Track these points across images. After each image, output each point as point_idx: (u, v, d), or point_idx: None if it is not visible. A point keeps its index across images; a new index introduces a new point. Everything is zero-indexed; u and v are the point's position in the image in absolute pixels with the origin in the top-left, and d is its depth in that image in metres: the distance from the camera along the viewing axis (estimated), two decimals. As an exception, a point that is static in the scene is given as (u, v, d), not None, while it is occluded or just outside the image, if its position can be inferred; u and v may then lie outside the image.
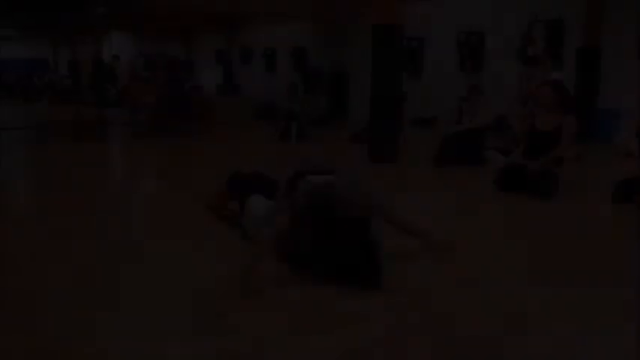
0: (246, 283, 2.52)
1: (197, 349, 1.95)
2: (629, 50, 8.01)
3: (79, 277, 2.62)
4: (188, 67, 20.75)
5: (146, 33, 20.77)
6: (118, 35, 21.44)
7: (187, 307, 2.32)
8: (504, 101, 7.36)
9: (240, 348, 1.98)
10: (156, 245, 3.15)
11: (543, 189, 4.49)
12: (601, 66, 8.35)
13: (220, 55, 18.10)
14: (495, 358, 1.95)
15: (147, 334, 2.07)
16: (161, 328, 2.13)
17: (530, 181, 4.56)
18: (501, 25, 9.59)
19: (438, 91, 10.80)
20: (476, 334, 2.10)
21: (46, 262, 2.84)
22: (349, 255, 2.51)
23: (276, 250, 2.76)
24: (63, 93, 18.60)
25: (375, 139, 6.36)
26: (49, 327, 2.12)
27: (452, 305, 2.37)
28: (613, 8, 8.19)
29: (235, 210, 3.43)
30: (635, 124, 6.14)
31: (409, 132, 8.30)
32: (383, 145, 6.24)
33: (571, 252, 3.13)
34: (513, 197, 4.50)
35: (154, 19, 16.03)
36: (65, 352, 1.94)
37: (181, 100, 11.79)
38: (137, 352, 1.95)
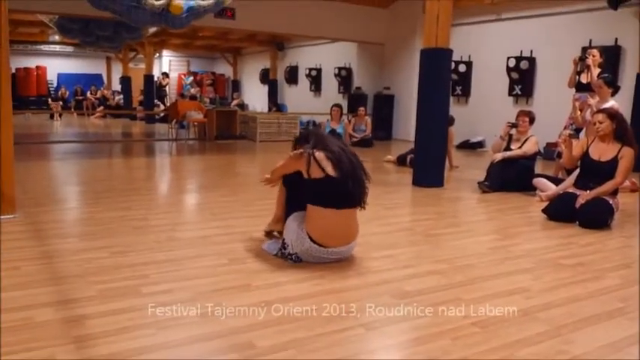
0: None
1: None
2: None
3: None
4: (235, 85, 21.15)
5: (195, 51, 21.33)
6: (167, 53, 22.15)
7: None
8: (555, 129, 7.15)
9: None
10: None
11: (595, 220, 4.32)
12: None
13: (265, 74, 18.36)
14: None
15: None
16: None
17: (581, 211, 4.40)
18: (554, 50, 9.39)
19: (485, 116, 10.64)
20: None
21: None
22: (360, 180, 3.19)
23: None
24: (115, 107, 19.26)
25: (420, 162, 6.28)
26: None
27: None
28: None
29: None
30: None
31: (456, 156, 8.17)
32: (428, 168, 6.16)
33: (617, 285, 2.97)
34: (563, 227, 4.35)
35: (202, 38, 16.47)
36: None
37: (227, 117, 12.04)
38: None
